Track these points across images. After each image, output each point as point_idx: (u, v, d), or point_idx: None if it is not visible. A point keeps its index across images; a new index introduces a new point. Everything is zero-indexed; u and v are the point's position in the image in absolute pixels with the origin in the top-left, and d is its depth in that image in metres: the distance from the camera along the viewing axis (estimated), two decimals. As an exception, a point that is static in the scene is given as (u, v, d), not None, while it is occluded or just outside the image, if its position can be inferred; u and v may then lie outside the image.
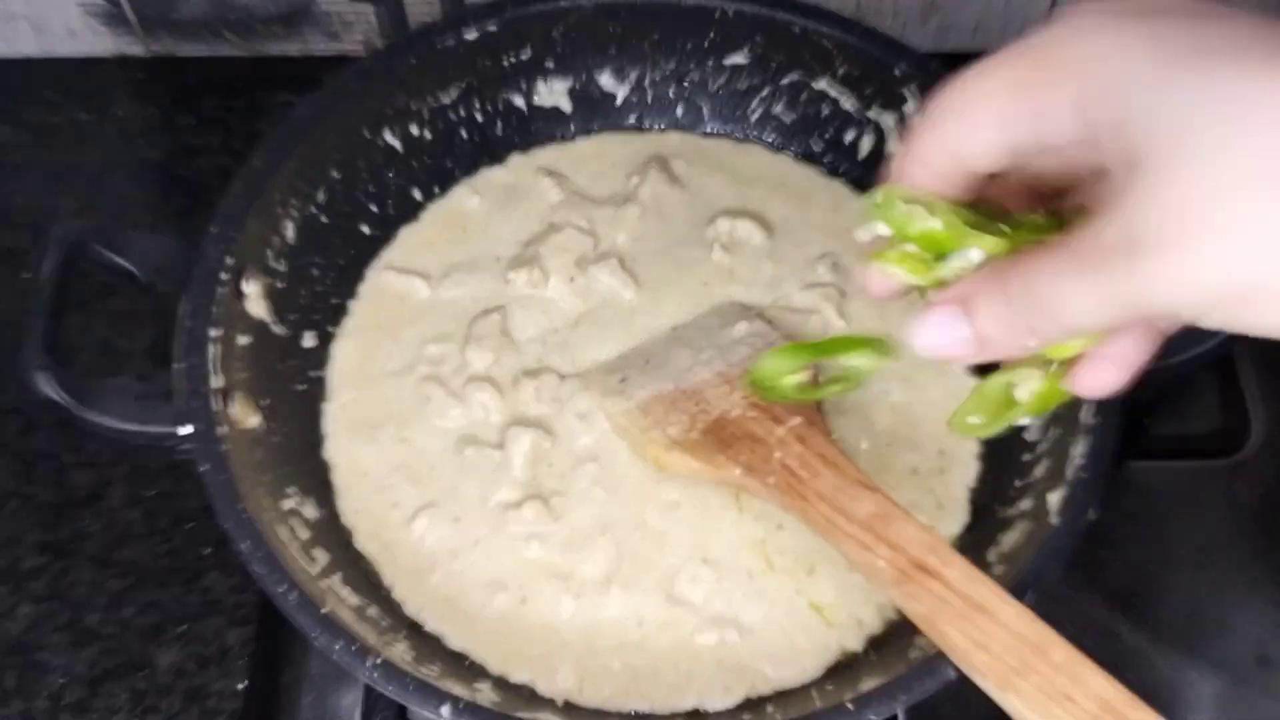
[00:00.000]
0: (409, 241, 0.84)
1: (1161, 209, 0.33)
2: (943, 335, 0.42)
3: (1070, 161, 0.40)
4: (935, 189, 0.42)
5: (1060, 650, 0.52)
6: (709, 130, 0.90)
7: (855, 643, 0.68)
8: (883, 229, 0.44)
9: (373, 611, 0.66)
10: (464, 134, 0.86)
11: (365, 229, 0.83)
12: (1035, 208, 0.43)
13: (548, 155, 0.88)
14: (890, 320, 0.79)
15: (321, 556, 0.67)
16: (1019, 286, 0.38)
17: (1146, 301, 0.35)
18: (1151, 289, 0.34)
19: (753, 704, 0.66)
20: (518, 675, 0.67)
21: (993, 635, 0.53)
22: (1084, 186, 0.40)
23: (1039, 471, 0.68)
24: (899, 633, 0.67)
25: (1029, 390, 0.48)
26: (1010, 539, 0.66)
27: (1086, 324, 0.37)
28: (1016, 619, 0.54)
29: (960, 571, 0.57)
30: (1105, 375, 0.43)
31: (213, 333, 0.66)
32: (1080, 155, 0.38)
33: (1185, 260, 0.33)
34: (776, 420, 0.69)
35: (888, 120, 0.82)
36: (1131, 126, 0.34)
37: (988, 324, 0.41)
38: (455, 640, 0.68)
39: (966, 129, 0.39)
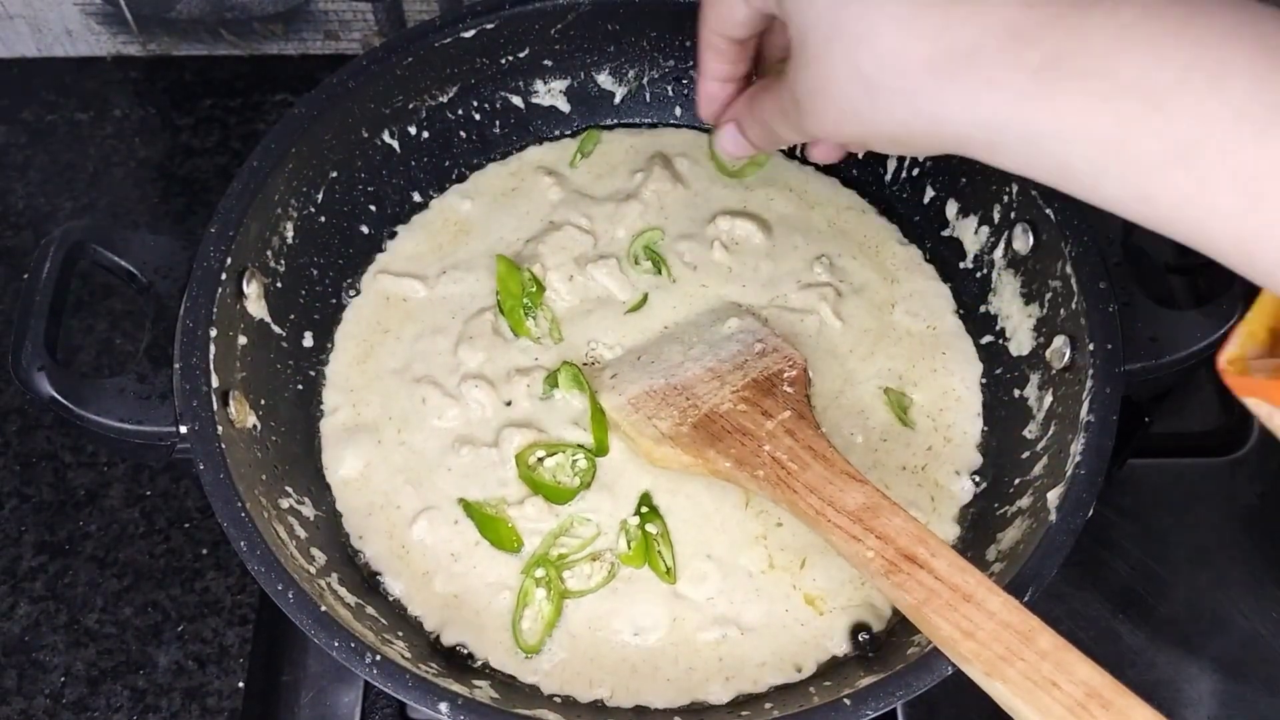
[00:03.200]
0: (408, 241, 0.84)
1: (806, 85, 0.53)
2: (730, 142, 0.65)
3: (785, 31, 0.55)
4: (721, 58, 0.63)
5: (1046, 638, 0.53)
6: (708, 129, 0.90)
7: (850, 638, 0.68)
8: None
9: (371, 610, 0.66)
10: (462, 133, 0.86)
11: (364, 229, 0.83)
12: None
13: (548, 154, 0.88)
14: (884, 321, 0.79)
15: (320, 555, 0.67)
16: (756, 115, 0.61)
17: (814, 135, 0.56)
18: (813, 131, 0.55)
19: (751, 700, 0.66)
20: (522, 673, 0.67)
21: (980, 624, 0.54)
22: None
23: (1038, 469, 0.68)
24: (896, 630, 0.68)
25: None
26: (1009, 536, 0.66)
27: (792, 141, 0.61)
28: (1003, 608, 0.54)
29: (948, 562, 0.57)
30: (823, 153, 0.67)
31: (212, 333, 0.66)
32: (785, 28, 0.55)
33: (820, 120, 0.53)
34: (766, 414, 0.69)
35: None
36: (795, 18, 0.52)
37: (751, 136, 0.63)
38: (458, 639, 0.68)
39: (725, 12, 0.59)
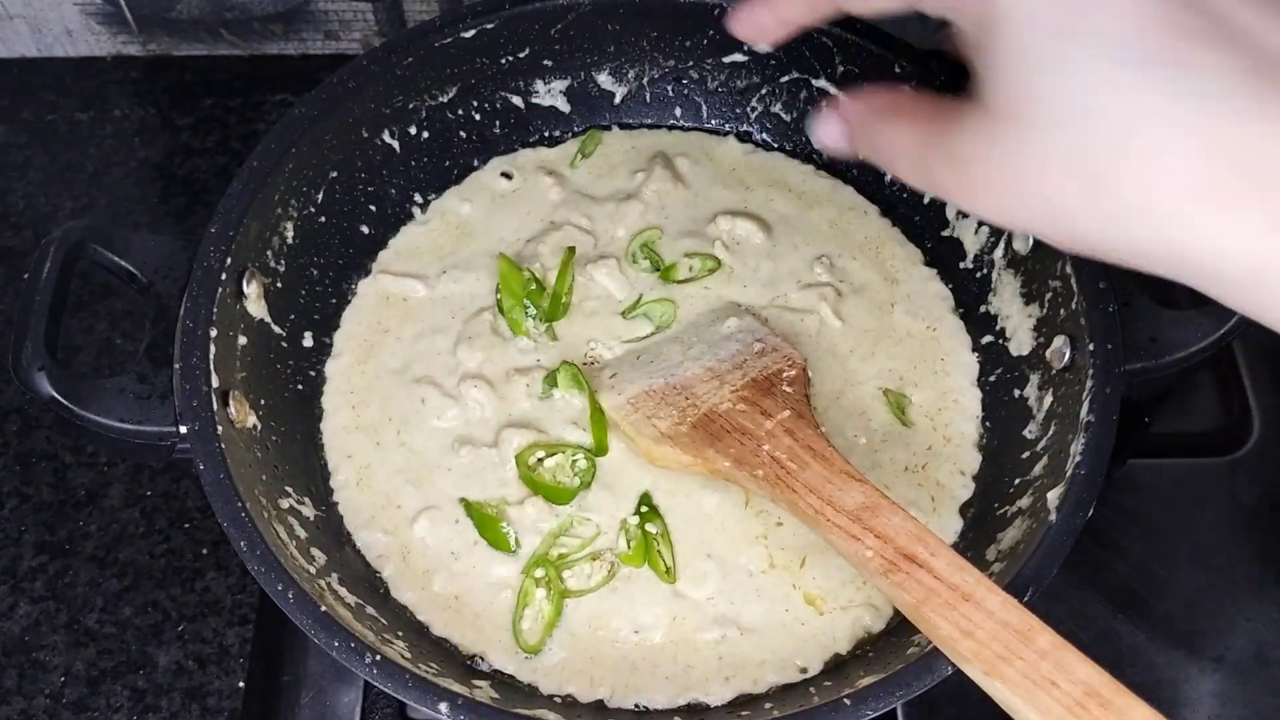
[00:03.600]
0: (408, 242, 0.84)
1: (991, 159, 0.41)
2: (829, 136, 0.54)
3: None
4: None
5: (1045, 637, 0.53)
6: (708, 129, 0.90)
7: (850, 638, 0.68)
8: None
9: (371, 610, 0.66)
10: (462, 134, 0.86)
11: (364, 229, 0.83)
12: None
13: (548, 154, 0.88)
14: (884, 322, 0.79)
15: (320, 555, 0.67)
16: (882, 137, 0.49)
17: (966, 210, 0.45)
18: (968, 209, 0.44)
19: (751, 700, 0.66)
20: (522, 672, 0.67)
21: (979, 623, 0.54)
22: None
23: (1038, 469, 0.68)
24: (896, 630, 0.68)
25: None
26: (1009, 536, 0.66)
27: (915, 187, 0.48)
28: (1002, 607, 0.54)
29: (947, 561, 0.57)
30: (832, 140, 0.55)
31: (212, 333, 0.66)
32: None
33: (992, 207, 0.42)
34: (765, 414, 0.69)
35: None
36: (1002, 73, 0.40)
37: (862, 148, 0.52)
38: (459, 638, 0.68)
39: None
